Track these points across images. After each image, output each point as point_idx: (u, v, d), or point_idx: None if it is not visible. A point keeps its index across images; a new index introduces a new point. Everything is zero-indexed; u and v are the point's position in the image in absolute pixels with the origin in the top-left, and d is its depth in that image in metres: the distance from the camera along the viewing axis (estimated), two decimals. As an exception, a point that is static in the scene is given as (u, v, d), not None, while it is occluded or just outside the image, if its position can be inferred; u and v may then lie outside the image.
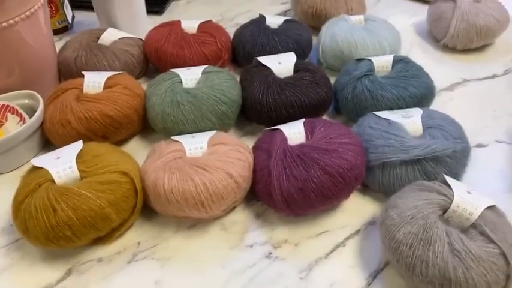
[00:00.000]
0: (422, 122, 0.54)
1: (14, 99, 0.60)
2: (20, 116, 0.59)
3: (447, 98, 0.69)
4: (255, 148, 0.54)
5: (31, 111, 0.59)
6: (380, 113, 0.56)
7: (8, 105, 0.59)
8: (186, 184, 0.47)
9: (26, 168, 0.57)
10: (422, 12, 0.88)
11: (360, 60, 0.65)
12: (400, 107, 0.59)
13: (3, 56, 0.57)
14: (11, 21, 0.56)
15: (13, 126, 0.59)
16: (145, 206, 0.51)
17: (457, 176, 0.51)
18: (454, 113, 0.62)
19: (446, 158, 0.50)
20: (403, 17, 0.90)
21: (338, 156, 0.48)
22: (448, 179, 0.47)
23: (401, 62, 0.64)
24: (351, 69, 0.64)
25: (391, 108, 0.59)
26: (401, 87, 0.59)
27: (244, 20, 0.88)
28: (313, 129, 0.53)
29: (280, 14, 0.92)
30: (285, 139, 0.52)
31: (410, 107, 0.59)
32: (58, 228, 0.44)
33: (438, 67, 0.75)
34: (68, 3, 0.68)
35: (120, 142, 0.61)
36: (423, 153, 0.49)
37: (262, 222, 0.51)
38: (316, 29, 0.81)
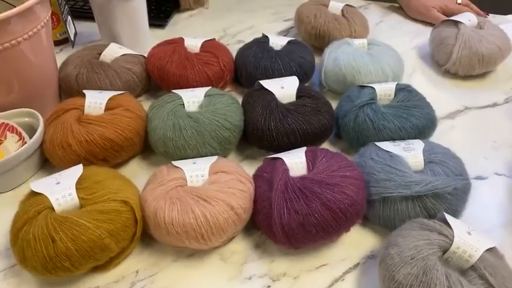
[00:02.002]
0: (423, 156, 0.54)
1: (14, 118, 0.59)
2: (20, 135, 0.58)
3: (448, 127, 0.69)
4: (256, 177, 0.54)
5: (30, 130, 0.59)
6: (382, 144, 0.56)
7: (7, 124, 0.58)
8: (187, 216, 0.46)
9: (23, 188, 0.57)
10: (425, 34, 0.88)
11: (362, 86, 0.66)
12: (401, 138, 0.59)
13: (4, 74, 0.57)
14: (13, 42, 0.55)
15: (12, 145, 0.58)
16: (144, 233, 0.51)
17: (456, 213, 0.51)
18: (455, 142, 0.63)
19: (447, 195, 0.50)
20: (405, 39, 0.90)
21: (340, 191, 0.48)
22: (448, 218, 0.47)
23: (403, 91, 0.64)
24: (354, 96, 0.64)
25: (392, 139, 0.59)
26: (403, 118, 0.59)
27: (247, 36, 0.88)
28: (315, 160, 0.53)
29: (283, 31, 0.92)
30: (286, 170, 0.52)
31: (412, 138, 0.59)
32: (57, 259, 0.43)
33: (440, 93, 0.76)
34: (70, 21, 0.68)
35: (121, 163, 0.61)
36: (424, 190, 0.49)
37: (262, 253, 0.51)
38: (319, 49, 0.81)
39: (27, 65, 0.59)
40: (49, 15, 0.60)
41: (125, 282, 0.48)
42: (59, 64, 0.70)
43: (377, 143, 0.57)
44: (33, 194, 0.48)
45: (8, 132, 0.58)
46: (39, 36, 0.59)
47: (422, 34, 0.91)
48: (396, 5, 1.02)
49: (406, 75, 0.78)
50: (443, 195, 0.50)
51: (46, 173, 0.60)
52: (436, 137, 0.63)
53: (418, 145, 0.56)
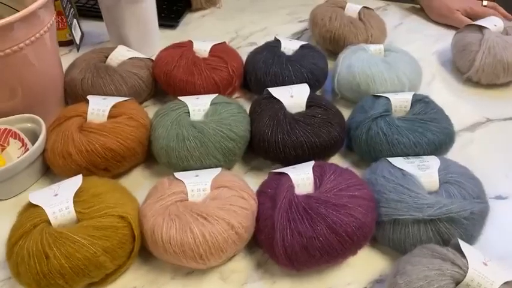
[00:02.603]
0: (439, 175, 0.51)
1: (16, 123, 0.59)
2: (22, 141, 0.58)
3: (467, 140, 0.65)
4: (260, 193, 0.51)
5: (33, 136, 0.58)
6: (395, 161, 0.53)
7: (10, 130, 0.58)
8: (185, 235, 0.45)
9: (25, 195, 0.56)
10: (447, 39, 0.83)
11: (377, 96, 0.62)
12: (416, 154, 0.56)
13: (7, 79, 0.56)
14: (17, 47, 0.54)
15: (14, 152, 0.57)
16: (144, 247, 0.49)
17: (472, 238, 0.48)
18: (474, 157, 0.59)
19: (462, 219, 0.47)
20: (426, 43, 0.86)
21: (347, 213, 0.46)
22: (463, 245, 0.44)
23: (420, 103, 0.60)
24: (367, 106, 0.61)
25: (406, 154, 0.56)
26: (418, 133, 0.56)
27: (259, 39, 0.85)
28: (323, 176, 0.51)
29: (297, 33, 0.89)
30: (291, 187, 0.49)
31: (428, 154, 0.56)
32: (50, 276, 0.42)
33: (460, 103, 0.72)
34: (77, 24, 0.66)
35: (123, 173, 0.59)
36: (437, 214, 0.46)
37: (263, 274, 0.49)
38: (334, 54, 0.78)
39: (31, 70, 0.58)
40: (53, 19, 0.59)
41: (122, 299, 0.47)
42: (65, 67, 0.69)
43: (390, 159, 0.54)
44: (31, 205, 0.47)
45: (11, 138, 0.58)
46: (43, 40, 0.58)
47: (444, 38, 0.86)
48: (417, 6, 0.97)
49: (425, 83, 0.74)
50: (458, 220, 0.47)
51: (48, 180, 0.59)
52: (454, 151, 0.59)
53: (433, 163, 0.52)
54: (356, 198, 0.47)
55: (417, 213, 0.47)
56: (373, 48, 0.71)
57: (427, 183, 0.50)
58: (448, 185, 0.50)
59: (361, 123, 0.59)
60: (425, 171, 0.51)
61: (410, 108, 0.60)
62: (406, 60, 0.68)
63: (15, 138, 0.58)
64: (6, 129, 0.58)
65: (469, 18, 0.88)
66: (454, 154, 0.58)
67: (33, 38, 0.55)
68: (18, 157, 0.56)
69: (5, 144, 0.57)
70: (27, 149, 0.57)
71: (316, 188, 0.50)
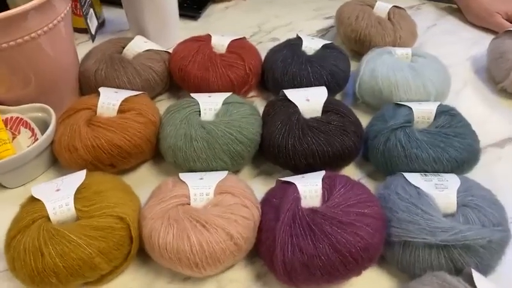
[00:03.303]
0: (457, 197, 0.47)
1: (28, 112, 0.58)
2: (32, 131, 0.57)
3: (495, 157, 0.61)
4: (264, 202, 0.49)
5: (44, 125, 0.58)
6: (411, 177, 0.50)
7: (21, 119, 0.58)
8: (181, 242, 0.43)
9: (33, 184, 0.56)
10: (484, 43, 0.77)
11: (399, 105, 0.59)
12: (435, 170, 0.52)
13: (21, 68, 0.55)
14: (32, 35, 0.53)
15: (24, 141, 0.57)
16: (142, 249, 0.48)
17: (489, 269, 0.45)
18: (500, 176, 0.55)
19: (479, 248, 0.43)
20: (460, 48, 0.80)
21: (353, 232, 0.43)
22: (476, 277, 0.41)
23: (445, 114, 0.56)
24: (388, 115, 0.58)
25: (424, 170, 0.52)
26: (440, 148, 0.52)
27: (282, 34, 0.83)
28: (332, 189, 0.48)
29: (322, 30, 0.85)
30: (297, 199, 0.47)
31: (448, 171, 0.52)
32: (44, 274, 0.42)
33: (491, 115, 0.67)
34: (93, 14, 0.65)
35: (130, 168, 0.58)
36: (452, 240, 0.43)
37: (262, 286, 0.47)
38: (359, 54, 0.74)
39: (45, 59, 0.57)
40: (68, 7, 0.58)
41: (116, 300, 0.46)
42: (84, 54, 0.68)
43: (406, 174, 0.51)
44: (33, 199, 0.47)
45: (21, 127, 0.58)
46: (58, 29, 0.57)
47: (480, 43, 0.80)
48: (454, 6, 0.91)
49: (455, 91, 0.69)
50: (474, 248, 0.43)
51: (56, 171, 0.59)
52: (479, 168, 0.55)
53: (452, 182, 0.49)
54: (365, 216, 0.45)
55: (430, 237, 0.44)
56: (399, 52, 0.66)
57: (443, 205, 0.47)
58: (466, 209, 0.46)
59: (379, 133, 0.56)
60: (442, 191, 0.48)
61: (434, 119, 0.57)
62: (435, 67, 0.64)
63: (25, 127, 0.57)
64: (18, 117, 0.57)
65: (510, 22, 0.81)
66: (478, 171, 0.54)
67: (47, 28, 0.54)
68: (28, 146, 0.56)
69: (16, 133, 0.57)
70: (37, 139, 0.57)
71: (324, 201, 0.48)
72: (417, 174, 0.51)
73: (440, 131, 0.54)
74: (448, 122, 0.55)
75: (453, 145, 0.52)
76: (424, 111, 0.57)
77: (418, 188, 0.48)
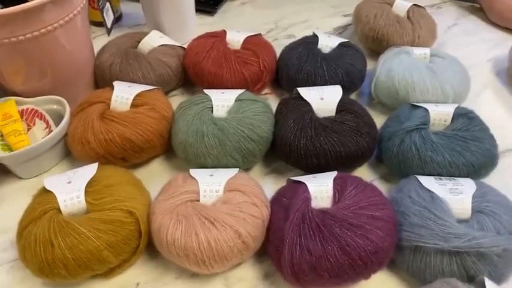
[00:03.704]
0: (472, 203, 0.46)
1: (43, 104, 0.59)
2: (47, 122, 0.58)
3: (513, 162, 0.59)
4: (274, 201, 0.49)
5: (58, 117, 0.58)
6: (425, 180, 0.49)
7: (36, 110, 0.58)
8: (189, 239, 0.43)
9: (47, 175, 0.57)
10: (507, 44, 0.75)
11: (415, 106, 0.57)
12: (450, 174, 0.51)
13: (36, 60, 0.56)
14: (49, 28, 0.54)
15: (39, 132, 0.58)
16: (151, 243, 0.48)
17: (502, 277, 0.43)
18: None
19: (493, 256, 0.42)
20: (481, 48, 0.78)
21: (363, 235, 0.42)
22: (490, 287, 0.40)
23: (463, 117, 0.55)
24: (403, 116, 0.56)
25: (440, 174, 0.51)
26: (456, 152, 0.51)
27: (299, 31, 0.82)
28: (343, 190, 0.47)
29: (340, 28, 0.84)
30: (307, 199, 0.46)
31: (464, 176, 0.51)
32: (53, 265, 0.42)
33: (510, 119, 0.65)
34: (109, 7, 0.65)
35: (141, 163, 0.58)
36: (465, 246, 0.42)
37: (270, 285, 0.47)
38: (376, 53, 0.73)
39: (60, 51, 0.58)
40: (85, 1, 0.58)
41: (124, 294, 0.47)
42: (97, 49, 0.69)
43: (420, 178, 0.50)
44: (45, 190, 0.48)
45: (37, 118, 0.58)
46: (74, 22, 0.57)
47: (503, 44, 0.78)
48: (477, 5, 0.89)
49: (474, 92, 0.67)
50: (488, 256, 0.42)
51: (69, 163, 0.59)
52: (496, 173, 0.53)
53: (468, 187, 0.47)
54: (375, 219, 0.44)
55: (442, 242, 0.43)
56: (417, 52, 0.65)
57: (457, 210, 0.46)
58: (481, 215, 0.45)
59: (393, 135, 0.55)
60: (457, 196, 0.47)
61: (451, 122, 0.55)
62: (454, 68, 0.62)
63: (40, 119, 0.58)
64: (33, 109, 0.58)
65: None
66: (495, 176, 0.53)
67: (63, 21, 0.54)
68: (42, 138, 0.57)
69: (31, 124, 0.58)
70: (51, 131, 0.57)
71: (334, 202, 0.47)
72: (431, 178, 0.50)
73: (457, 134, 0.52)
74: (465, 125, 0.54)
75: (470, 149, 0.51)
76: (440, 113, 0.56)
77: (432, 192, 0.47)
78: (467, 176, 0.51)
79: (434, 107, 0.56)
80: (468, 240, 0.42)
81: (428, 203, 0.46)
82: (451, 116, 0.55)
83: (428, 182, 0.49)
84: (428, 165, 0.51)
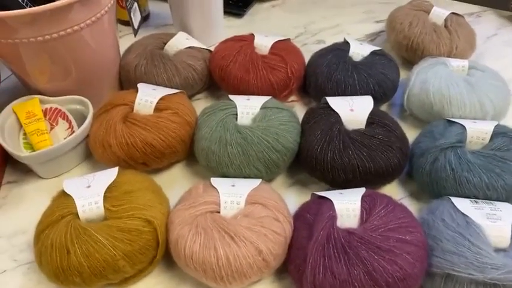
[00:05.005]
0: (512, 231, 0.43)
1: (66, 104, 0.59)
2: (70, 123, 0.58)
3: (556, 186, 0.55)
4: (298, 217, 0.47)
5: (81, 118, 0.58)
6: (460, 203, 0.46)
7: (60, 110, 0.58)
8: (208, 253, 0.41)
9: (66, 176, 0.57)
10: (549, 58, 0.71)
11: (451, 122, 0.54)
12: (488, 198, 0.48)
13: (62, 59, 0.55)
14: (75, 27, 0.53)
15: (61, 132, 0.58)
16: (168, 252, 0.47)
17: (543, 314, 0.40)
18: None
19: (534, 291, 0.39)
20: (522, 61, 0.74)
21: (391, 260, 0.40)
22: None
23: (503, 136, 0.51)
24: (437, 132, 0.53)
25: (476, 197, 0.48)
26: (494, 174, 0.47)
27: (328, 37, 0.79)
28: (372, 210, 0.45)
29: (372, 35, 0.81)
30: (333, 217, 0.44)
31: (502, 200, 0.47)
32: (68, 272, 0.41)
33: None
34: (137, 8, 0.64)
35: (162, 168, 0.57)
36: (504, 279, 0.39)
37: (289, 305, 0.45)
38: (409, 63, 0.70)
39: (86, 51, 0.57)
40: (113, 0, 0.57)
41: (138, 304, 0.45)
42: (126, 47, 0.68)
43: (454, 200, 0.47)
44: (64, 193, 0.47)
45: (60, 118, 0.58)
46: (101, 22, 0.56)
47: (546, 57, 0.74)
48: (519, 15, 0.84)
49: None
50: (528, 291, 0.39)
51: (90, 164, 0.59)
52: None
53: (507, 213, 0.44)
54: (405, 244, 0.41)
55: (477, 273, 0.40)
56: (455, 63, 0.62)
57: (495, 238, 0.42)
58: (521, 245, 0.42)
59: (426, 151, 0.52)
60: (495, 222, 0.43)
61: (490, 141, 0.52)
62: (494, 83, 0.58)
63: (63, 118, 0.58)
64: (56, 108, 0.58)
65: None
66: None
67: (90, 21, 0.54)
68: (64, 138, 0.56)
69: (54, 124, 0.58)
70: (73, 131, 0.57)
71: (362, 222, 0.44)
72: (467, 200, 0.47)
73: (496, 154, 0.49)
74: (505, 144, 0.50)
75: (510, 171, 0.48)
76: (478, 131, 0.52)
77: (467, 216, 0.44)
78: (506, 201, 0.47)
79: (472, 124, 0.53)
80: (507, 272, 0.39)
81: (462, 228, 0.43)
82: (490, 135, 0.52)
83: (463, 204, 0.46)
84: (464, 187, 0.48)
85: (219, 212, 0.46)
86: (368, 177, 0.50)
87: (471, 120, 0.54)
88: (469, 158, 0.49)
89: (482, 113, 0.56)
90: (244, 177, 0.52)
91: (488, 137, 0.52)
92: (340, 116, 0.54)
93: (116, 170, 0.49)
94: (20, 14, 0.48)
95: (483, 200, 0.47)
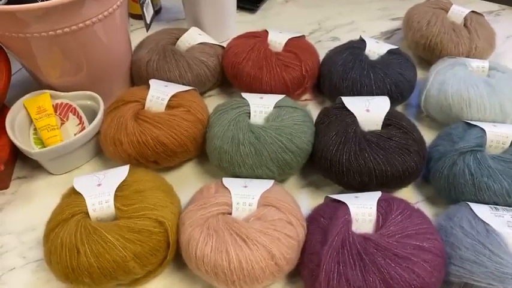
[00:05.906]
0: (535, 240, 0.41)
1: (77, 99, 0.58)
2: (80, 118, 0.57)
3: None
4: (311, 220, 0.46)
5: (91, 113, 0.57)
6: (479, 209, 0.44)
7: (70, 105, 0.57)
8: (219, 257, 0.40)
9: (77, 172, 0.56)
10: None
11: (470, 125, 0.53)
12: (508, 204, 0.46)
13: (73, 54, 0.55)
14: (87, 22, 0.52)
15: (72, 128, 0.57)
16: (179, 253, 0.46)
17: None
18: None
19: (556, 303, 0.37)
20: (544, 62, 0.72)
21: (408, 267, 0.39)
22: None
23: (524, 141, 0.50)
24: (456, 135, 0.52)
25: (496, 203, 0.46)
26: (516, 180, 0.46)
27: (343, 34, 0.78)
28: (388, 215, 0.44)
29: (388, 32, 0.79)
30: (348, 222, 0.43)
31: (523, 207, 0.46)
32: (78, 272, 0.41)
33: None
34: (149, 2, 0.63)
35: (173, 166, 0.56)
36: (525, 290, 0.38)
37: (301, 309, 0.44)
38: (426, 63, 0.68)
39: (98, 46, 0.56)
40: (125, -5, 0.56)
41: (148, 305, 0.45)
42: (137, 42, 0.67)
43: (473, 206, 0.45)
44: (75, 190, 0.46)
45: (70, 113, 0.57)
46: (113, 17, 0.55)
47: None
48: (539, 13, 0.82)
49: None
50: (550, 303, 0.37)
51: (101, 161, 0.58)
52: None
53: (529, 222, 0.43)
54: (423, 251, 0.40)
55: (497, 283, 0.38)
56: (475, 64, 0.60)
57: (516, 248, 0.41)
58: (544, 256, 0.40)
59: (444, 155, 0.50)
60: (517, 230, 0.42)
61: (510, 145, 0.50)
62: (516, 84, 0.57)
63: (74, 114, 0.57)
64: (67, 104, 0.57)
65: None
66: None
67: (102, 15, 0.53)
68: (74, 134, 0.56)
69: (65, 119, 0.57)
70: (84, 127, 0.56)
71: (377, 227, 0.43)
72: (486, 207, 0.45)
73: (518, 159, 0.48)
74: (527, 149, 0.49)
75: (532, 177, 0.46)
76: (499, 135, 0.51)
77: (487, 223, 0.43)
78: (527, 208, 0.46)
79: (492, 128, 0.51)
80: (528, 284, 0.38)
81: (482, 236, 0.42)
82: (511, 139, 0.50)
83: (482, 211, 0.44)
84: (483, 193, 0.47)
85: (230, 214, 0.45)
86: (384, 181, 0.48)
87: (491, 124, 0.52)
88: (489, 163, 0.47)
89: (502, 116, 0.54)
90: (257, 177, 0.51)
91: (509, 141, 0.50)
92: (356, 116, 0.53)
93: (126, 168, 0.48)
94: (32, 8, 0.47)
95: (503, 207, 0.46)
